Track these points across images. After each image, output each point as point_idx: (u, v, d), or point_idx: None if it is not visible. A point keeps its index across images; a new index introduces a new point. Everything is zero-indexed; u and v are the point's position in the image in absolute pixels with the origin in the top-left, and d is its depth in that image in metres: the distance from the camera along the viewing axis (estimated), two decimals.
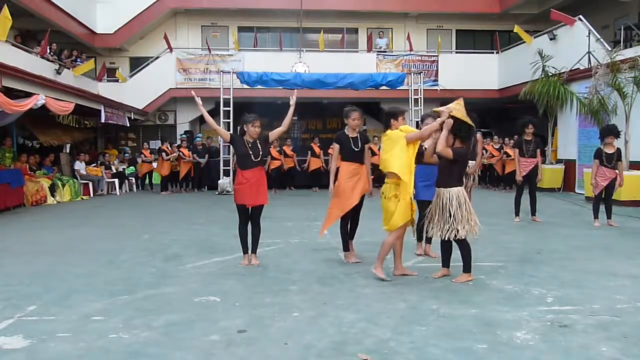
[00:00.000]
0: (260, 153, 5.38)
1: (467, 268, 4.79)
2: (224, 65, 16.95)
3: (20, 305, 4.19)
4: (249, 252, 5.60)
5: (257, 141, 5.43)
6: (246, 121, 5.48)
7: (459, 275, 4.81)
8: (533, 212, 8.59)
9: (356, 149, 5.52)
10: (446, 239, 4.72)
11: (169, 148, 14.98)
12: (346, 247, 5.74)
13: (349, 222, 5.73)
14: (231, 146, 5.45)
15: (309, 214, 9.88)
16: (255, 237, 5.59)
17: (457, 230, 4.62)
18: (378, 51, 18.41)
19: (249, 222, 5.53)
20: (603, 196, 8.14)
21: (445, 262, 4.97)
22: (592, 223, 8.12)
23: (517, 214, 8.66)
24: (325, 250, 6.25)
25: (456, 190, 4.69)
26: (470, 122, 4.64)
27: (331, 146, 5.89)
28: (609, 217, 8.12)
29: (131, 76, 18.07)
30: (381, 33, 19.08)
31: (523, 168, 8.49)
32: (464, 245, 4.74)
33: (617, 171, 7.93)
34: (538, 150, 8.57)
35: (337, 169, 5.66)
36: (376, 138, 17.84)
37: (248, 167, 5.36)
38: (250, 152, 5.34)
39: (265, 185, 5.50)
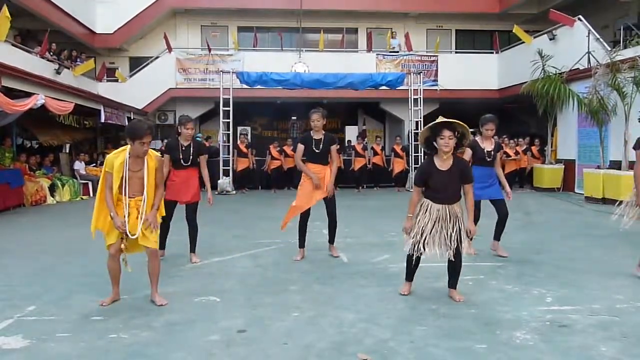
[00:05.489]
0: (190, 158, 5.65)
1: (456, 283, 4.34)
2: (223, 65, 16.95)
3: (20, 305, 4.19)
4: (192, 250, 5.84)
5: (191, 145, 5.67)
6: (180, 122, 5.75)
7: (453, 292, 4.30)
8: None
9: (317, 151, 5.67)
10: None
11: None
12: (302, 244, 5.88)
13: (328, 224, 5.89)
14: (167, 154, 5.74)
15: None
16: (191, 236, 5.81)
17: (462, 246, 4.14)
18: (391, 51, 18.39)
19: (186, 222, 5.77)
20: None
21: (411, 276, 4.42)
22: (592, 223, 8.10)
23: None
24: (325, 250, 6.24)
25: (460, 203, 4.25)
26: (465, 126, 4.07)
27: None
28: None
29: (131, 76, 18.07)
30: (394, 33, 19.07)
31: None
32: (461, 259, 4.21)
33: None
34: None
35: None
36: (378, 138, 17.89)
37: (179, 169, 5.67)
38: (181, 157, 5.63)
39: (195, 185, 5.72)
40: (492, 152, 5.75)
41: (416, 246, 4.12)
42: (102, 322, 3.78)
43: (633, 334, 3.47)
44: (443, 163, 4.07)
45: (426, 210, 4.13)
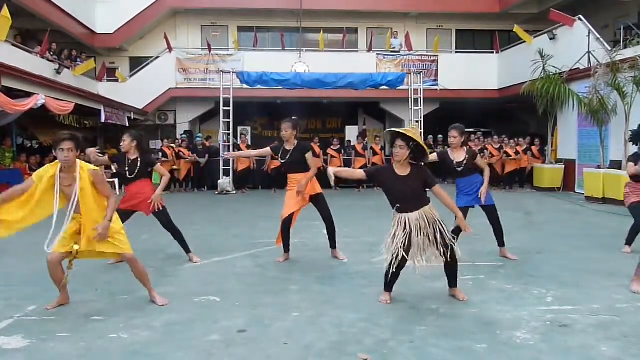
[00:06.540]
0: (136, 171, 5.49)
1: (456, 282, 4.38)
2: (223, 65, 16.94)
3: (20, 305, 4.20)
4: (187, 252, 5.88)
5: (138, 158, 5.50)
6: None
7: (456, 291, 4.35)
8: None
9: (289, 161, 5.69)
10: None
11: (172, 146, 15.09)
12: (286, 249, 5.91)
13: (326, 230, 5.96)
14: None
15: (307, 213, 9.85)
16: (179, 241, 5.82)
17: (453, 247, 4.07)
18: (391, 51, 18.39)
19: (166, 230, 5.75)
20: None
21: (391, 287, 4.30)
22: (592, 223, 8.09)
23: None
24: (325, 250, 6.24)
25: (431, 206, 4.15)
26: (423, 144, 4.03)
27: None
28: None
29: (131, 76, 18.07)
30: (396, 33, 19.06)
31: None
32: (456, 260, 4.17)
33: None
34: None
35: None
36: (378, 138, 17.87)
37: (127, 183, 5.57)
38: (127, 169, 5.50)
39: (148, 195, 5.50)
40: (463, 162, 5.49)
41: (395, 260, 3.98)
42: (102, 322, 3.79)
43: (633, 334, 3.47)
44: (400, 168, 4.08)
45: (404, 225, 4.01)
